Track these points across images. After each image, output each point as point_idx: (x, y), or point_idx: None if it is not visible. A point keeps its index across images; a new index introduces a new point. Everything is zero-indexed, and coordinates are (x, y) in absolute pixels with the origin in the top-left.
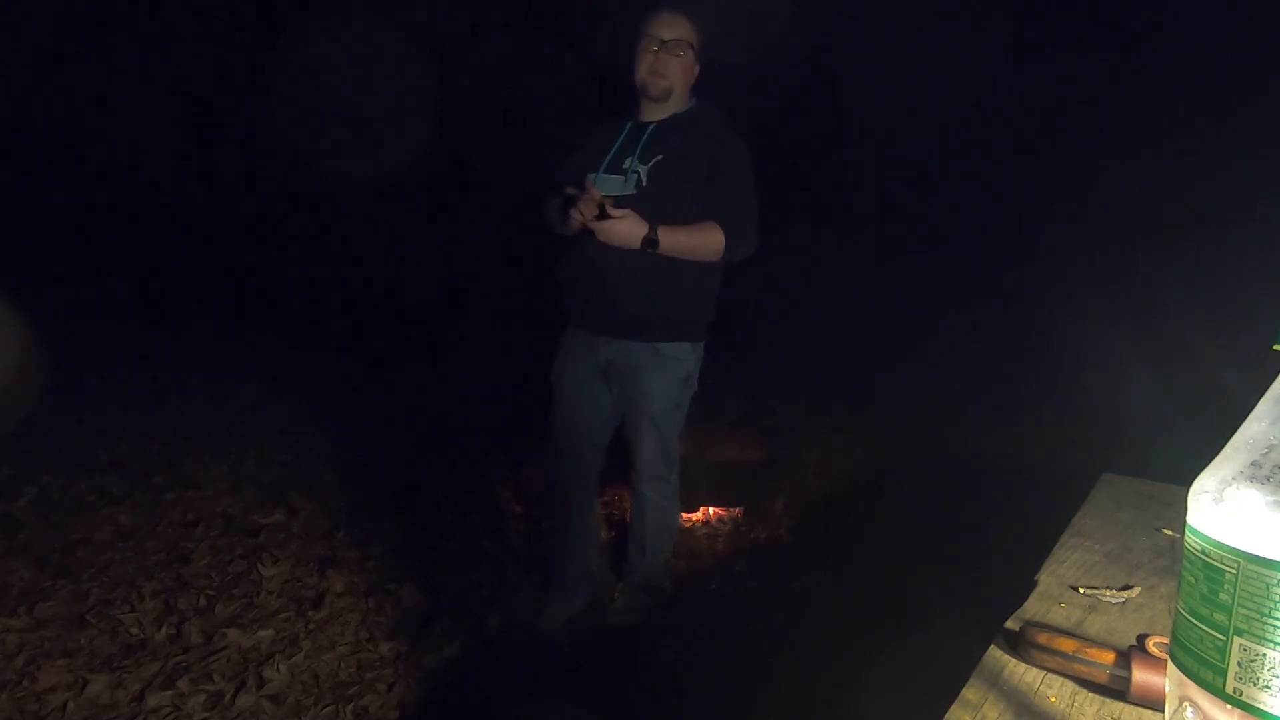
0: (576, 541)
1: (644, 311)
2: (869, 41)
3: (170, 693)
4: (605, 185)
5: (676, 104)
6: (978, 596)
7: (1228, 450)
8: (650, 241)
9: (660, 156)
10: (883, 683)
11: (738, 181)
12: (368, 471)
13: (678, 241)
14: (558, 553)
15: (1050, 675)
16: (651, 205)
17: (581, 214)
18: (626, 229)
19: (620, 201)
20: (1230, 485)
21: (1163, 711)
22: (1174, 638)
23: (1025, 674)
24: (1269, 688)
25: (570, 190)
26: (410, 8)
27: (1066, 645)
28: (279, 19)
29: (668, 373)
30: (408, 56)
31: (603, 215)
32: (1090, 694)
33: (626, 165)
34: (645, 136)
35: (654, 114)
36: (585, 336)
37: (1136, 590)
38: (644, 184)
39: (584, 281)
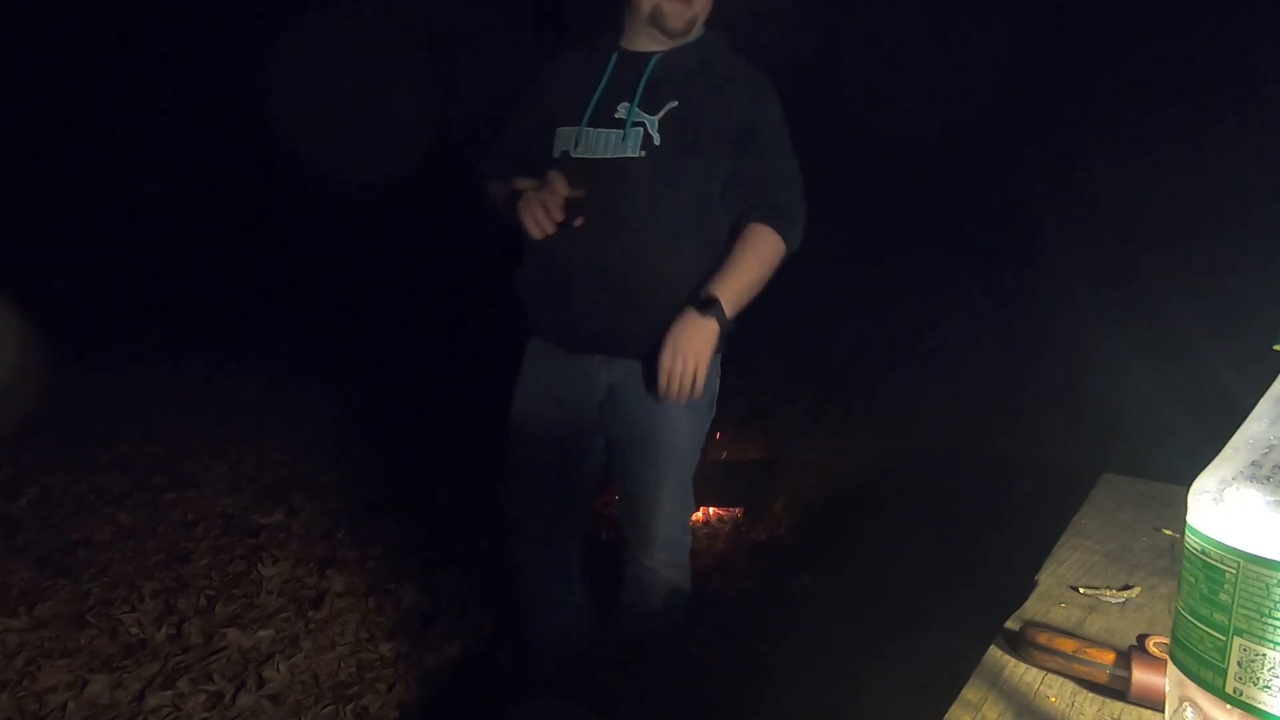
0: (558, 626)
1: (657, 316)
2: (869, 41)
3: (170, 693)
4: (595, 143)
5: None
6: (978, 596)
7: (1228, 450)
8: (719, 319)
9: (674, 103)
10: (883, 683)
11: (777, 142)
12: (368, 471)
13: (742, 290)
14: (535, 639)
15: (1050, 675)
16: (665, 177)
17: (540, 221)
18: (697, 338)
19: (621, 169)
20: (1230, 485)
21: (1163, 711)
22: (1174, 638)
23: (1025, 674)
24: (1269, 688)
25: (521, 184)
26: (409, 6)
27: (1066, 645)
28: (279, 17)
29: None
30: (407, 55)
31: (571, 213)
32: (1090, 694)
33: (622, 114)
34: (647, 73)
35: (654, 43)
36: (571, 357)
37: (1136, 590)
38: (656, 143)
39: (568, 289)
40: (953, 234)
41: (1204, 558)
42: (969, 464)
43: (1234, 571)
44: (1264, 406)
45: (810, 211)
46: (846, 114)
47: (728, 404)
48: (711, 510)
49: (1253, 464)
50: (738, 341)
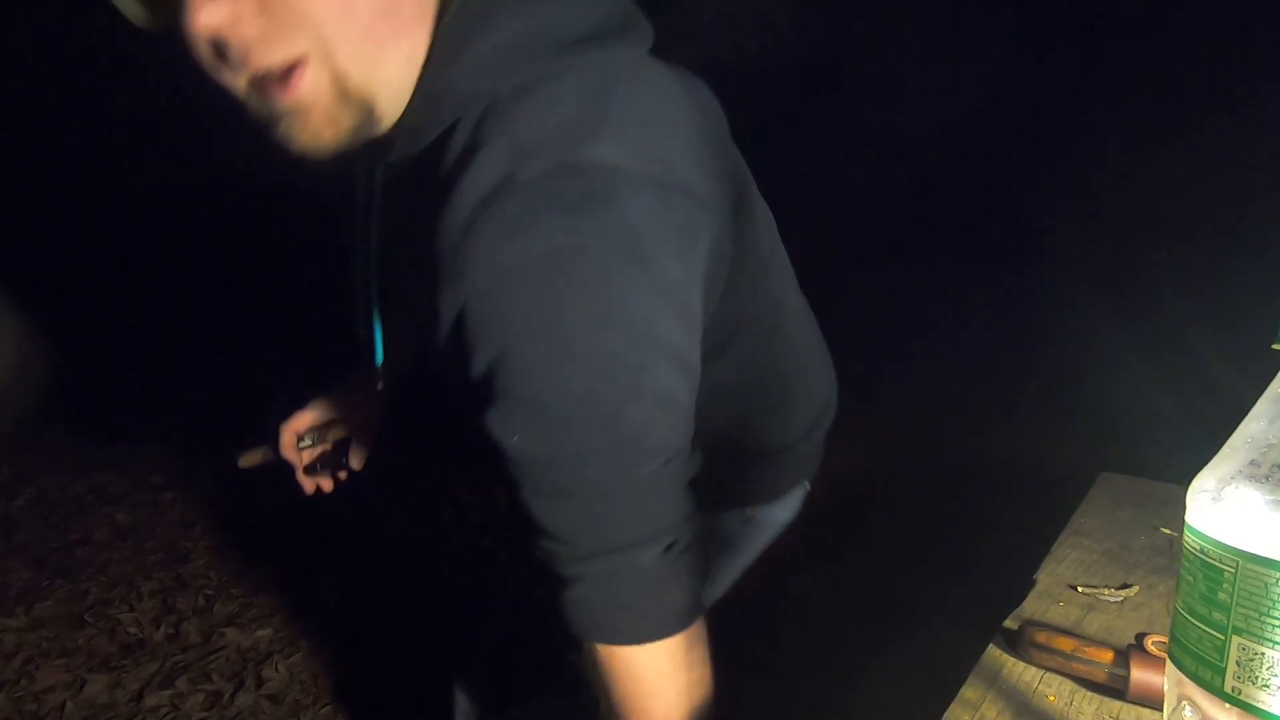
0: None
1: None
2: (870, 39)
3: (169, 692)
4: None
5: (417, 116)
6: (977, 596)
7: (1226, 449)
8: None
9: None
10: (883, 682)
11: (514, 347)
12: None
13: None
14: None
15: (1049, 674)
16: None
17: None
18: None
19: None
20: (1229, 484)
21: (1161, 710)
22: (1172, 637)
23: (1024, 673)
24: (1268, 687)
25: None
26: None
27: (1065, 644)
28: None
29: None
30: None
31: (323, 467)
32: (1089, 693)
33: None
34: (375, 206)
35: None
36: None
37: (1135, 589)
38: (381, 370)
39: None
40: (953, 234)
41: (1202, 557)
42: (968, 463)
43: (1233, 571)
44: (1263, 405)
45: (810, 211)
46: (847, 113)
47: None
48: None
49: (1252, 463)
50: None
